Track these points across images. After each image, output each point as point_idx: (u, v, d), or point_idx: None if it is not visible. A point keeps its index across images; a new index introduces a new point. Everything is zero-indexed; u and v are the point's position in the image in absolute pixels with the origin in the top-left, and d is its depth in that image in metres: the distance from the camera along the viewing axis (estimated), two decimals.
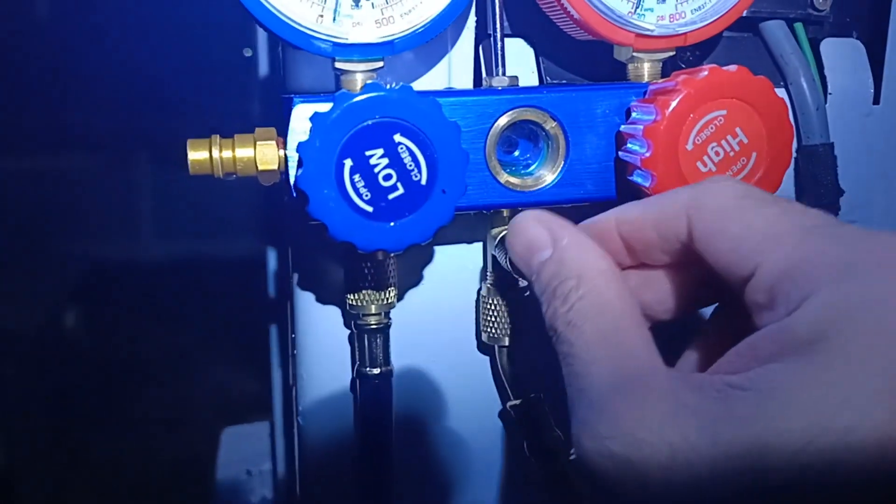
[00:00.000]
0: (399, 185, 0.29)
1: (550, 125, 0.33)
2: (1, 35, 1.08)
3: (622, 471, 0.23)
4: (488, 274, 0.38)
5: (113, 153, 1.17)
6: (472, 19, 0.36)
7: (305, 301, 0.38)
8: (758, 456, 0.21)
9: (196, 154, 0.33)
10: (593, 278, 0.27)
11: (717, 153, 0.30)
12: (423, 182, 0.29)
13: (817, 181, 0.41)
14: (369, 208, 0.29)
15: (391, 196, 0.29)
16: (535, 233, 0.28)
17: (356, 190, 0.29)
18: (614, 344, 0.25)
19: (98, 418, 1.16)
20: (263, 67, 0.71)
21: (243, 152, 0.34)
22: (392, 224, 0.29)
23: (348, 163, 0.28)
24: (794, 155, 0.41)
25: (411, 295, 0.39)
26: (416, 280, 0.39)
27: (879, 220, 0.44)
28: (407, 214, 0.29)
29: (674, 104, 0.30)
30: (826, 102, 0.42)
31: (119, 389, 1.18)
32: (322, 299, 0.38)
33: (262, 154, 0.34)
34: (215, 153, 0.34)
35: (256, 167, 0.34)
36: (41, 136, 1.14)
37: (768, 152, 0.31)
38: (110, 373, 1.18)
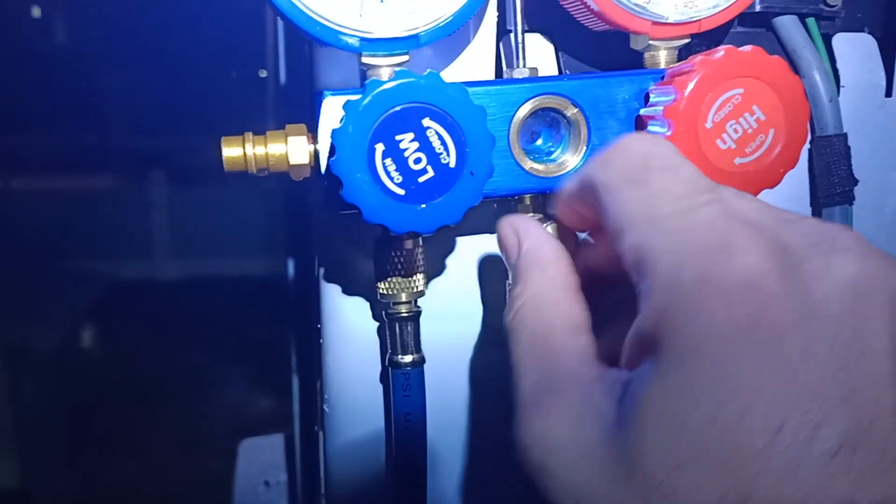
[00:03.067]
0: (429, 167, 0.30)
1: (572, 111, 0.34)
2: (21, 60, 1.10)
3: (542, 475, 0.24)
4: None
5: (129, 173, 1.19)
6: (492, 15, 0.38)
7: (332, 293, 0.39)
8: (638, 459, 0.21)
9: (230, 151, 0.35)
10: (537, 283, 0.28)
11: (735, 130, 0.31)
12: (452, 165, 0.30)
13: (831, 171, 0.42)
14: (401, 191, 0.30)
15: (421, 179, 0.30)
16: (509, 240, 0.31)
17: (388, 173, 0.30)
18: (543, 351, 0.27)
19: (114, 436, 1.16)
20: (277, 86, 0.72)
21: (275, 148, 0.35)
22: (423, 206, 0.30)
23: (380, 147, 0.29)
24: (808, 147, 0.42)
25: (440, 285, 0.40)
26: (446, 270, 0.40)
27: (894, 208, 0.44)
28: (437, 197, 0.30)
29: (692, 84, 0.31)
30: (839, 95, 0.43)
31: (135, 408, 1.19)
32: (349, 291, 0.39)
33: (293, 149, 0.35)
34: (248, 149, 0.35)
35: (288, 162, 0.35)
36: (59, 157, 1.16)
37: (785, 128, 0.32)
38: (127, 391, 1.19)
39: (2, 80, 1.11)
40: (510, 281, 0.31)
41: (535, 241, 0.30)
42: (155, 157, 1.18)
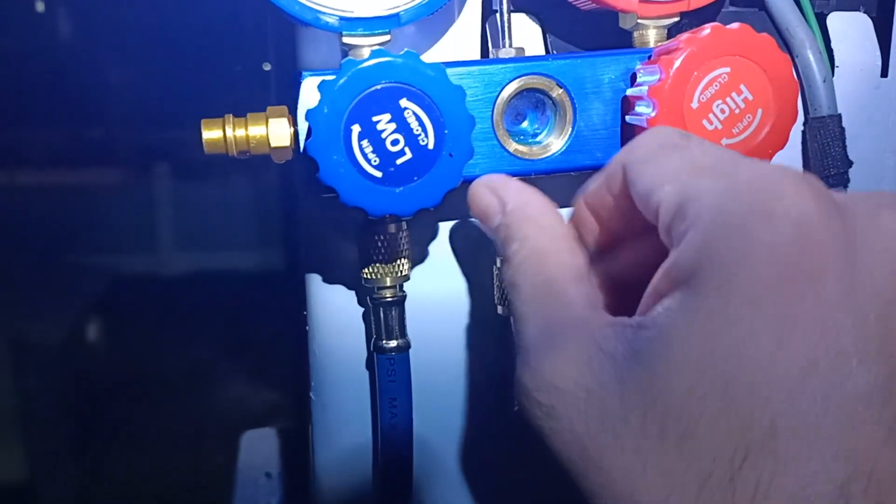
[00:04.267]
0: (407, 149, 0.29)
1: (557, 92, 0.34)
2: (24, 54, 1.10)
3: (549, 420, 0.23)
4: None
5: (132, 167, 1.19)
6: None
7: (316, 280, 0.39)
8: (658, 393, 0.21)
9: (210, 133, 0.34)
10: (533, 237, 0.28)
11: (722, 111, 0.31)
12: (431, 146, 0.30)
13: (825, 153, 0.41)
14: (378, 173, 0.29)
15: (399, 161, 0.29)
16: (486, 201, 0.30)
17: (365, 155, 0.29)
18: (547, 298, 0.26)
19: (119, 429, 1.16)
20: (280, 80, 0.72)
21: (256, 130, 0.34)
22: (401, 189, 0.30)
23: (356, 128, 0.29)
24: (802, 128, 0.41)
25: (425, 272, 0.39)
26: (432, 255, 0.39)
27: (891, 186, 0.43)
28: (415, 179, 0.30)
29: (677, 63, 0.30)
30: (833, 76, 0.42)
31: (139, 402, 1.19)
32: (333, 278, 0.39)
33: (274, 131, 0.34)
34: (228, 132, 0.34)
35: (269, 144, 0.34)
36: (62, 151, 1.16)
37: (774, 108, 0.31)
38: (132, 384, 1.19)
39: (4, 74, 1.11)
40: (495, 245, 0.29)
41: (519, 196, 0.29)
42: (159, 151, 1.18)
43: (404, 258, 0.36)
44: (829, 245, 0.21)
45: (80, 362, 1.23)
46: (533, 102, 0.35)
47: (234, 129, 0.34)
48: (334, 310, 0.39)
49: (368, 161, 0.29)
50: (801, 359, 0.20)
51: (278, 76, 0.67)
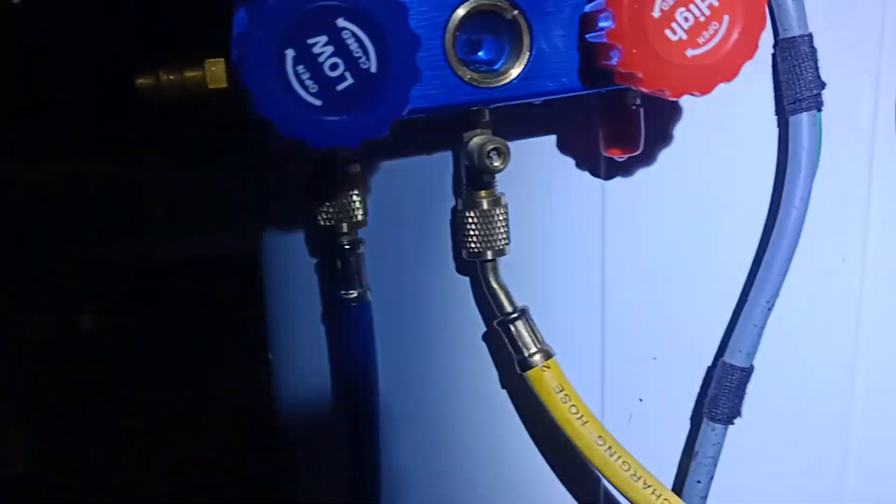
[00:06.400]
0: (347, 74, 0.27)
1: (512, 13, 0.31)
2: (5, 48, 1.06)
3: None
4: (463, 186, 0.36)
5: (121, 156, 1.16)
6: None
7: (272, 233, 0.37)
8: None
9: (144, 79, 0.32)
10: None
11: (686, 19, 0.29)
12: (373, 70, 0.27)
13: (797, 75, 0.39)
14: (318, 102, 0.27)
15: (340, 87, 0.27)
16: None
17: (301, 82, 0.27)
18: None
19: (118, 420, 1.15)
20: None
21: (192, 72, 0.32)
22: (344, 117, 0.27)
23: (290, 53, 0.27)
24: (773, 50, 0.39)
25: (383, 218, 0.37)
26: (388, 201, 0.37)
27: (868, 112, 0.42)
28: (359, 106, 0.27)
29: None
30: None
31: (137, 390, 1.17)
32: (289, 228, 0.37)
33: (211, 73, 0.32)
34: (163, 75, 0.32)
35: (207, 87, 0.32)
36: (51, 142, 1.13)
37: (742, 13, 0.29)
38: (129, 373, 1.17)
39: None
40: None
41: None
42: (146, 138, 1.14)
43: (359, 201, 0.34)
44: None
45: (77, 353, 1.21)
46: (489, 27, 0.33)
47: (168, 73, 0.32)
48: (288, 263, 0.37)
49: (306, 88, 0.27)
50: None
51: None
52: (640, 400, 0.43)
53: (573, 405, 0.37)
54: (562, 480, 0.43)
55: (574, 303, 0.41)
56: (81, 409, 1.17)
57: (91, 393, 1.18)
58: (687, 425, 0.43)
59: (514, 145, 0.37)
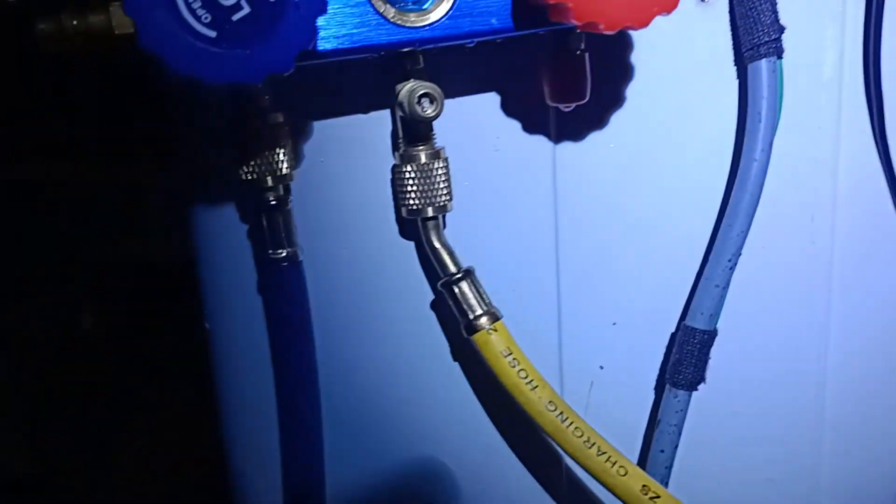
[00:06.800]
0: (243, 2, 0.25)
1: None
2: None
3: None
4: (400, 141, 0.34)
5: (120, 156, 1.15)
6: None
7: (200, 200, 0.35)
8: None
9: (44, 24, 0.30)
10: None
11: None
12: None
13: (755, 19, 0.37)
14: (212, 33, 0.25)
15: (236, 17, 0.25)
16: None
17: (192, 11, 0.25)
18: None
19: (120, 420, 1.14)
20: None
21: (96, 17, 0.30)
22: (243, 50, 0.25)
23: None
24: None
25: (314, 176, 0.35)
26: (320, 154, 0.35)
27: (833, 61, 0.39)
28: (259, 38, 0.25)
29: None
30: None
31: (140, 390, 1.16)
32: (215, 193, 0.35)
33: (118, 17, 0.30)
34: (66, 21, 0.30)
35: (114, 33, 0.30)
36: (51, 143, 1.12)
37: None
38: (131, 372, 1.16)
39: None
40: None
41: None
42: (145, 138, 1.13)
43: (283, 152, 0.32)
44: None
45: (79, 352, 1.20)
46: None
47: (71, 19, 0.30)
48: (218, 228, 0.35)
49: (198, 18, 0.25)
50: None
51: None
52: (601, 367, 0.41)
53: (522, 369, 0.35)
54: (520, 458, 0.41)
55: (526, 265, 0.38)
56: (81, 409, 1.16)
57: (91, 393, 1.17)
58: (651, 394, 0.41)
59: (458, 101, 0.36)
